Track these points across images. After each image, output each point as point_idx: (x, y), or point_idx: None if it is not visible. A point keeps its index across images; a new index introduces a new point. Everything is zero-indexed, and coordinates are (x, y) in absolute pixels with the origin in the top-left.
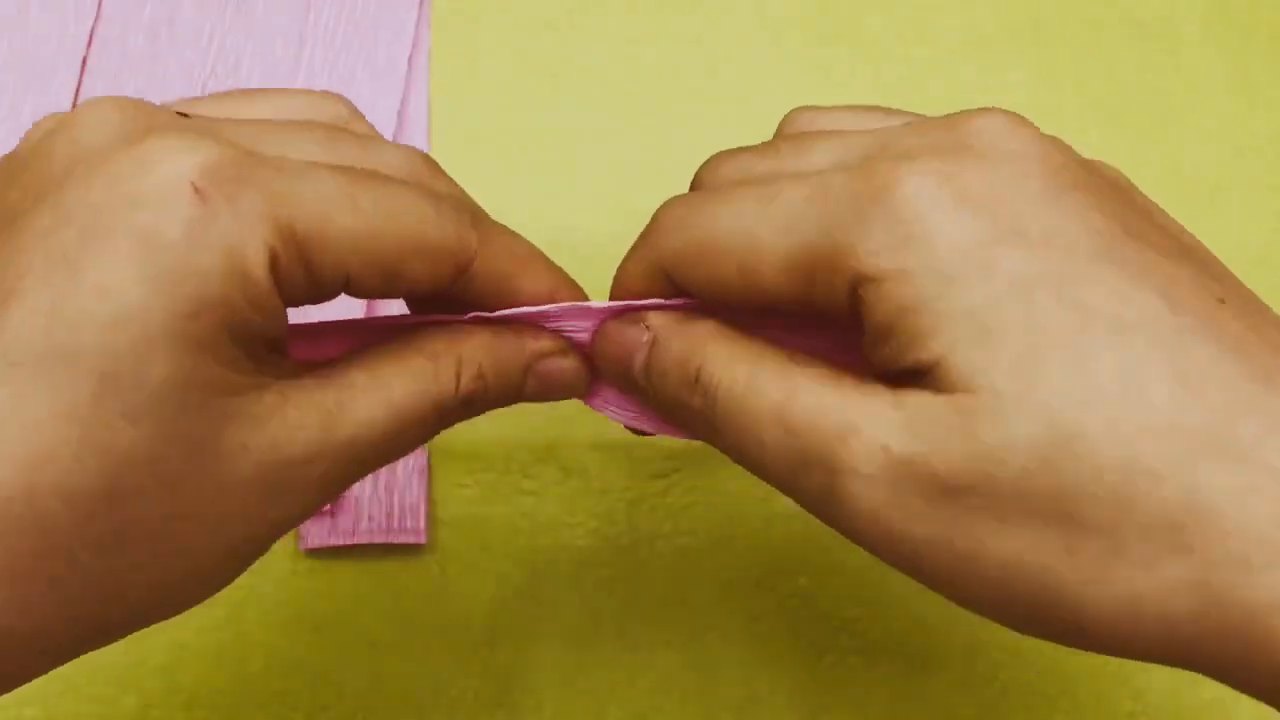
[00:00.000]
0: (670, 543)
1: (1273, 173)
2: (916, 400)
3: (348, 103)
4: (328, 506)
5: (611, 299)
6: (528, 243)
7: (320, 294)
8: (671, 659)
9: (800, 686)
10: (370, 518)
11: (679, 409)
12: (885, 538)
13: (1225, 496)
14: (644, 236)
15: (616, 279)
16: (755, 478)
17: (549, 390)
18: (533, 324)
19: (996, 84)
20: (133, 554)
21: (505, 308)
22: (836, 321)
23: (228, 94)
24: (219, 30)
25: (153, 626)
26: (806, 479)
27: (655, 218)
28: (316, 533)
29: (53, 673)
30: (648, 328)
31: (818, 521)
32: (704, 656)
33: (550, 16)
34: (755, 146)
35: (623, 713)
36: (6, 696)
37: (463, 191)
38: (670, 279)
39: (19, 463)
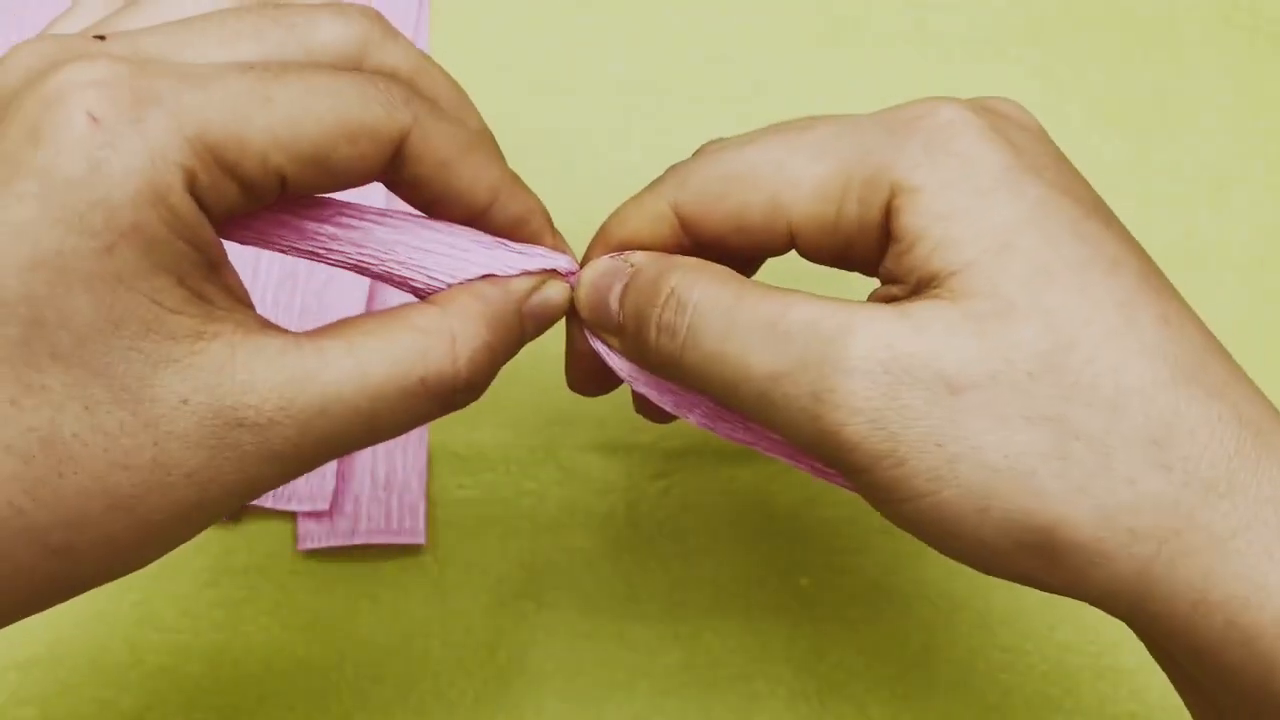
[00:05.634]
0: (670, 543)
1: (1273, 173)
2: (926, 307)
3: None
4: (325, 507)
5: (595, 248)
6: (474, 131)
7: (257, 198)
8: (671, 659)
9: (800, 686)
10: (369, 518)
11: (645, 328)
12: (873, 438)
13: (1201, 422)
14: (657, 181)
15: (610, 226)
16: (754, 478)
17: (544, 323)
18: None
19: (997, 84)
20: (73, 505)
21: (446, 203)
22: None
23: None
24: None
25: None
26: (792, 384)
27: (671, 168)
28: (315, 534)
29: (51, 674)
30: (631, 264)
31: (818, 521)
32: (704, 656)
33: (550, 17)
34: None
35: (623, 713)
36: (4, 697)
37: (421, 56)
38: (683, 223)
39: None
